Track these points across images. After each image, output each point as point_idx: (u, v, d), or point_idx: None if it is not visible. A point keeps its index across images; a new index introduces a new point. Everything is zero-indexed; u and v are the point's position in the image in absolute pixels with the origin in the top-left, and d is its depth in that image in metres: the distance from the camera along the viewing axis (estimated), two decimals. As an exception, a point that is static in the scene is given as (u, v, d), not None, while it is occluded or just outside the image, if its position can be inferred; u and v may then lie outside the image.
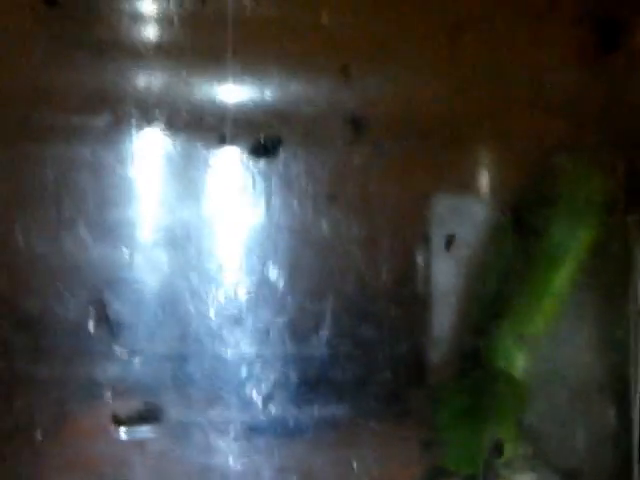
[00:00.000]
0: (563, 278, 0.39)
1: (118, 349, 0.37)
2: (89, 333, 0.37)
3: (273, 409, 0.37)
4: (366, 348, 0.38)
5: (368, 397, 0.38)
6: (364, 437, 0.38)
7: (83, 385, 0.37)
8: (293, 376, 0.37)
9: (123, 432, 0.37)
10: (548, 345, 0.40)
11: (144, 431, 0.37)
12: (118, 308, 0.37)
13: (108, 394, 0.37)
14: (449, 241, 0.38)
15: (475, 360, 0.40)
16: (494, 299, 0.40)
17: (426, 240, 0.38)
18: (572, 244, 0.39)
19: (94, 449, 0.37)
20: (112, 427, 0.37)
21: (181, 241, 0.37)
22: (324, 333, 0.37)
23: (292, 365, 0.37)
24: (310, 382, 0.38)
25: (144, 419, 0.37)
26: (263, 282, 0.37)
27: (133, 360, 0.37)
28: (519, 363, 0.40)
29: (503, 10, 0.38)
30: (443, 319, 0.39)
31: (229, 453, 0.37)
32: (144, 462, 0.37)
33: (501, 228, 0.39)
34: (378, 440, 0.38)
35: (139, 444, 0.37)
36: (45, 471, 0.37)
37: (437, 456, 0.40)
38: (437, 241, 0.39)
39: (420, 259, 0.39)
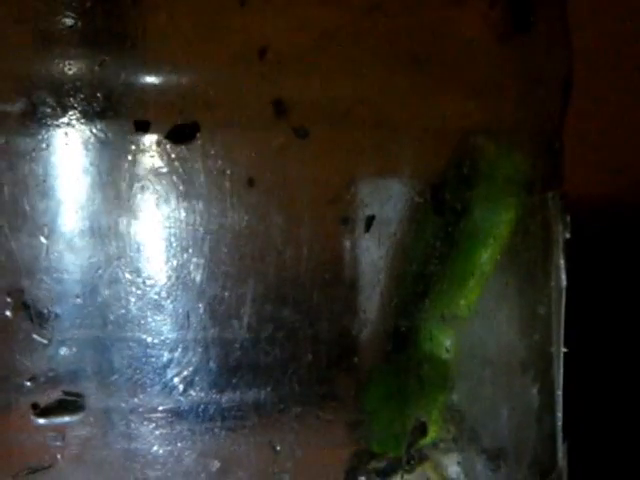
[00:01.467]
0: (485, 258, 0.40)
1: (37, 337, 0.36)
2: (7, 320, 0.36)
3: (194, 394, 0.37)
4: (288, 331, 0.38)
5: (291, 381, 0.38)
6: (288, 421, 0.38)
7: (1, 375, 0.37)
8: (214, 361, 0.37)
9: (44, 421, 0.37)
10: (472, 325, 0.40)
11: (65, 419, 0.37)
12: (37, 295, 0.37)
13: (27, 384, 0.37)
14: (368, 222, 0.38)
15: (401, 342, 0.40)
16: (417, 280, 0.40)
17: (348, 222, 0.38)
18: (493, 224, 0.39)
19: (15, 439, 0.37)
20: (32, 417, 0.37)
21: (100, 228, 0.37)
22: (245, 317, 0.37)
23: (213, 350, 0.37)
24: (232, 367, 0.38)
25: (65, 408, 0.37)
26: (183, 267, 0.37)
27: (52, 348, 0.37)
28: (443, 344, 0.40)
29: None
30: (368, 301, 0.39)
31: (151, 439, 0.37)
32: (66, 450, 0.37)
33: (422, 209, 0.39)
34: (302, 424, 0.38)
35: (61, 432, 0.37)
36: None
37: (363, 439, 0.40)
38: (359, 223, 0.39)
39: (342, 241, 0.38)
